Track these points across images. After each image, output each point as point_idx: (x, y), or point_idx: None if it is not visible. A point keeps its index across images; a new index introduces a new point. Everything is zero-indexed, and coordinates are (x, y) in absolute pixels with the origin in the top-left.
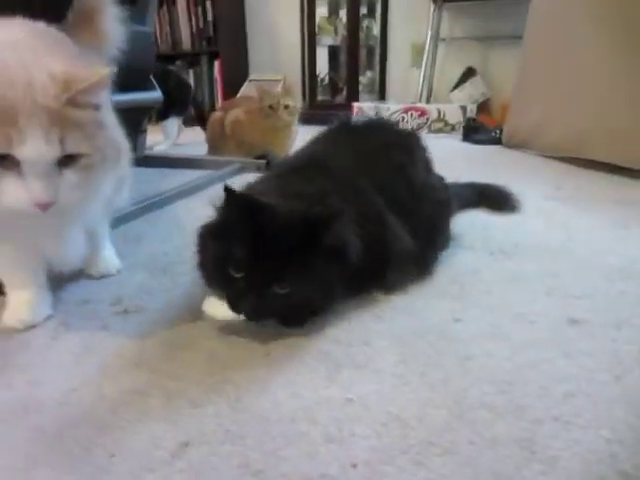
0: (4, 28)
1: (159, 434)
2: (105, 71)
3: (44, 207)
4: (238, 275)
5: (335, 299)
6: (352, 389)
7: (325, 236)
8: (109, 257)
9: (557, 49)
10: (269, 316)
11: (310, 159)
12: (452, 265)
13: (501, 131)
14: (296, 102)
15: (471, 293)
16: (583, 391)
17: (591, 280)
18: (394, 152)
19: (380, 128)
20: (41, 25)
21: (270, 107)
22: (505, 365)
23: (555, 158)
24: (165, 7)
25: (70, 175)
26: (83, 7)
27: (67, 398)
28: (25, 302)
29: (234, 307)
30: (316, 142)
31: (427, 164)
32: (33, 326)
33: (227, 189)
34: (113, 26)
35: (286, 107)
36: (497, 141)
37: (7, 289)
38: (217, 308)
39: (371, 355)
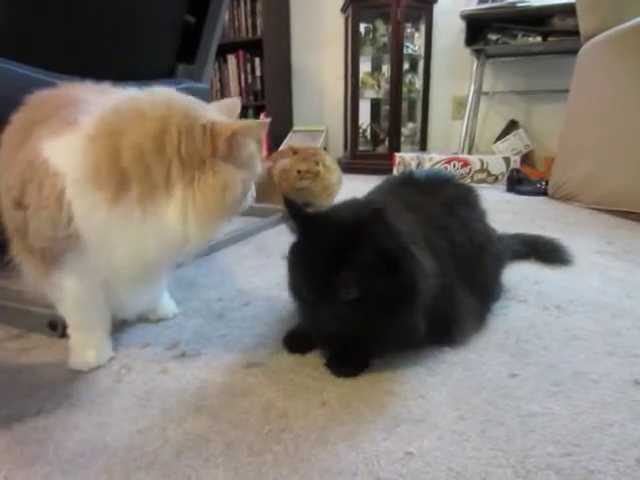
0: None
1: None
2: None
3: None
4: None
5: (403, 328)
6: (412, 443)
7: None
8: (167, 301)
9: (606, 103)
10: (341, 328)
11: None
12: (505, 318)
13: (547, 183)
14: (330, 174)
15: (527, 348)
16: None
17: None
18: (459, 207)
19: (444, 182)
20: None
21: (299, 172)
22: (570, 425)
23: (603, 210)
24: (217, 65)
25: None
26: None
27: (133, 441)
28: (90, 344)
29: (313, 328)
30: (380, 195)
31: (483, 217)
32: (97, 367)
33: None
34: None
35: (307, 172)
36: (542, 192)
37: (71, 331)
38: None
39: (428, 409)
